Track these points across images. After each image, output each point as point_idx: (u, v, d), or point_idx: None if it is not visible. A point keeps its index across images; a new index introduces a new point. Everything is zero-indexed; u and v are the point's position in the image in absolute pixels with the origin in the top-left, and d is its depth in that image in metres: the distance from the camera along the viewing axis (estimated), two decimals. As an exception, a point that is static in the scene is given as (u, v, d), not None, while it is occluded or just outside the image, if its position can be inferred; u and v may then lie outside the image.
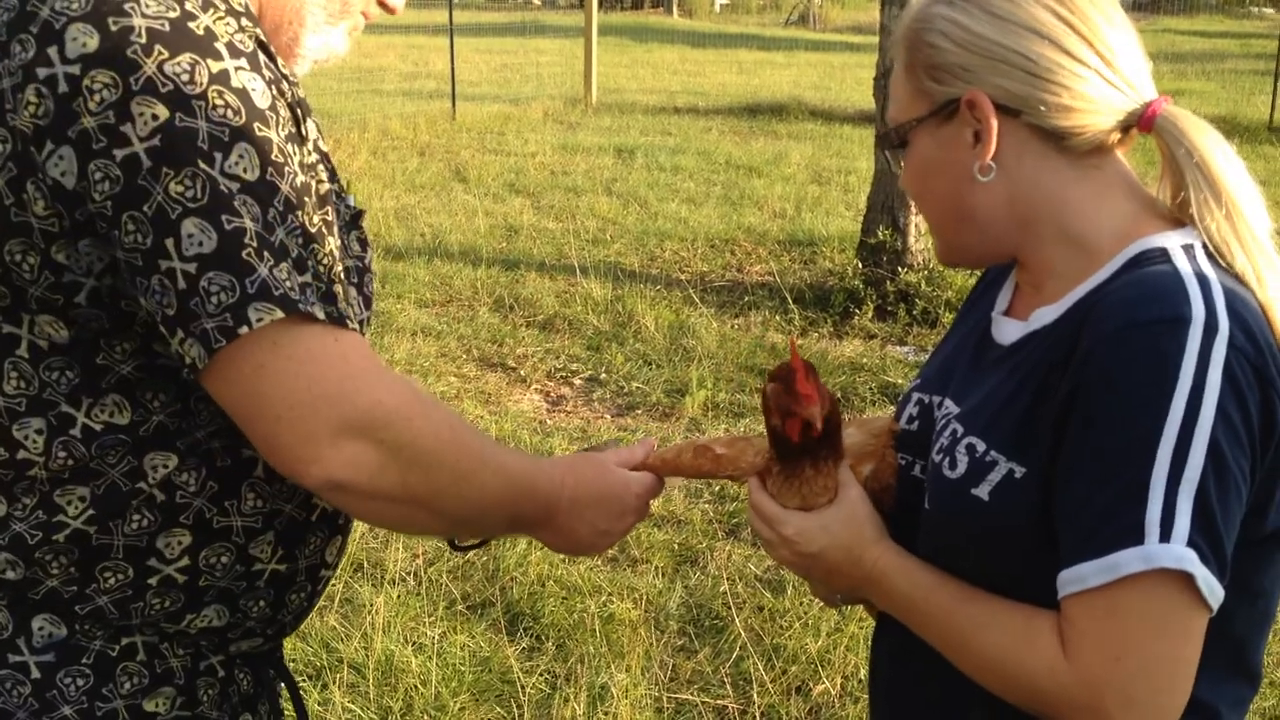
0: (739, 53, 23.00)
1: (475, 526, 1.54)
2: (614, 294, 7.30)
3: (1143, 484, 1.13)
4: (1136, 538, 1.13)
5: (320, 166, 1.38)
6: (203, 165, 1.18)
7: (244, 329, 1.19)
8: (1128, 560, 1.13)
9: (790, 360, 1.35)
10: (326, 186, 1.38)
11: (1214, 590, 1.14)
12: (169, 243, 1.17)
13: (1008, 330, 1.37)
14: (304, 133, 1.34)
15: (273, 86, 1.27)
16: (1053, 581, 1.19)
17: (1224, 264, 1.25)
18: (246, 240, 1.19)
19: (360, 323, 1.49)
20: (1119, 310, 1.19)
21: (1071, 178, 1.30)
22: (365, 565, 4.10)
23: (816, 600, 3.83)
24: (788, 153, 12.39)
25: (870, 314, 6.93)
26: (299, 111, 1.34)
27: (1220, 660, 1.23)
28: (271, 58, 1.33)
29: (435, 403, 1.37)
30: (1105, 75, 1.27)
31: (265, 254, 1.20)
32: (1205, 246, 1.26)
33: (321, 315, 1.24)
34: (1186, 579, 1.13)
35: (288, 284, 1.21)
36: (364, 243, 1.56)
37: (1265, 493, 1.20)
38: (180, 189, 1.17)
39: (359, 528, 3.75)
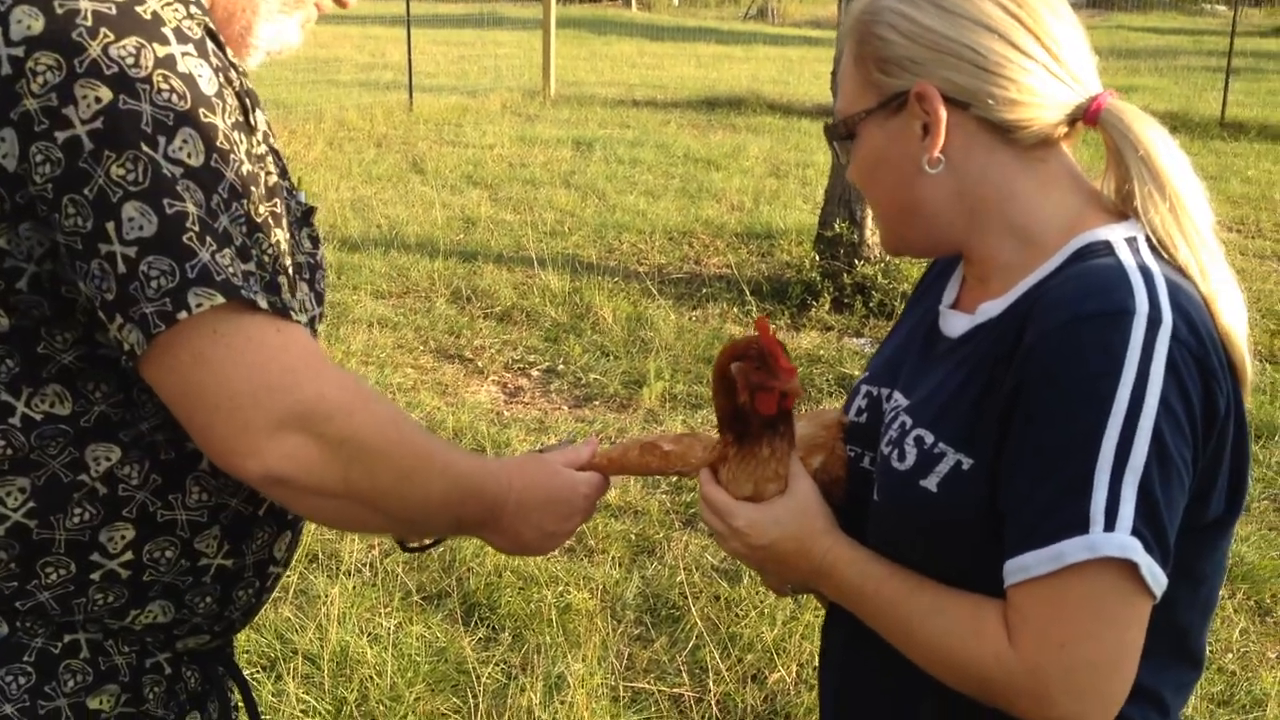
0: (697, 46, 23.01)
1: (420, 526, 1.52)
2: (572, 286, 7.29)
3: (1087, 475, 1.14)
4: (1081, 527, 1.14)
5: (269, 159, 1.37)
6: (145, 148, 1.16)
7: (183, 314, 1.17)
8: (1073, 549, 1.14)
9: (758, 338, 1.36)
10: (275, 179, 1.37)
11: (1157, 578, 1.16)
12: (109, 226, 1.16)
13: (955, 323, 1.38)
14: (253, 123, 1.33)
15: (220, 74, 1.26)
16: (999, 572, 1.21)
17: (1167, 256, 1.27)
18: (189, 224, 1.18)
19: (312, 319, 1.48)
20: (1062, 304, 1.20)
21: (1018, 170, 1.31)
22: (320, 556, 4.08)
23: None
24: (746, 146, 12.42)
25: (827, 306, 6.96)
26: (247, 102, 1.33)
27: (1164, 646, 1.25)
28: (220, 46, 1.32)
29: (381, 398, 1.35)
30: (1052, 69, 1.29)
31: (208, 238, 1.19)
32: (1149, 239, 1.28)
33: (264, 304, 1.22)
34: (1130, 567, 1.14)
35: (230, 270, 1.20)
36: (315, 239, 1.55)
37: (1208, 480, 1.22)
38: (122, 172, 1.16)
39: (314, 518, 3.72)
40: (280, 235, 1.31)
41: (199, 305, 1.17)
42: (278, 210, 1.35)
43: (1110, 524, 1.13)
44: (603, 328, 6.65)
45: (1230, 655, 3.69)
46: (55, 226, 1.18)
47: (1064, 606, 1.16)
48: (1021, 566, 1.17)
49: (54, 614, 1.33)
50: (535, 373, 6.12)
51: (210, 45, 1.28)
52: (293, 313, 1.27)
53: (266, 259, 1.26)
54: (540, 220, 9.06)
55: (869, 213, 7.14)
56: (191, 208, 1.18)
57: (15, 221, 1.20)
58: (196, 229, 1.18)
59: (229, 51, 1.34)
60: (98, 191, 1.16)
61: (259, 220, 1.26)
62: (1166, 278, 1.21)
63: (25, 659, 1.33)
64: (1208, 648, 3.66)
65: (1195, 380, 1.17)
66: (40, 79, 1.15)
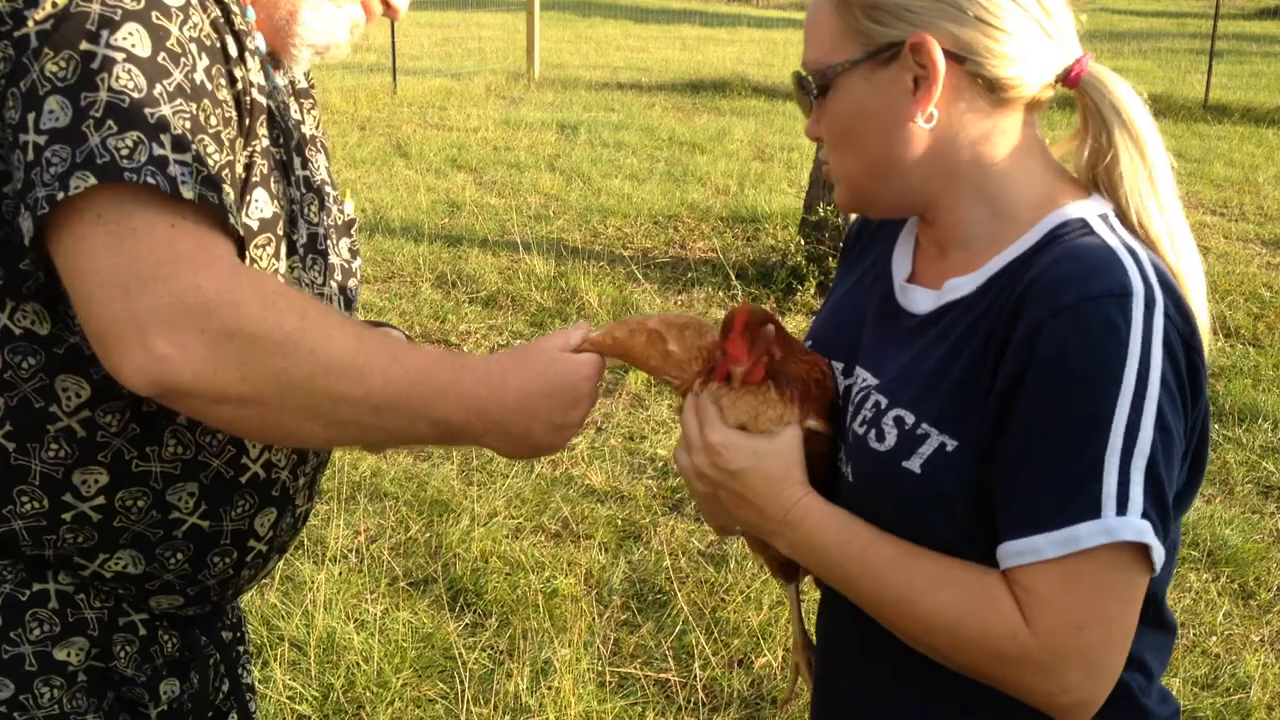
0: (682, 28, 22.96)
1: (378, 434, 1.33)
2: (557, 270, 7.28)
3: (1098, 457, 1.14)
4: (1094, 511, 1.14)
5: (265, 123, 1.37)
6: (83, 45, 1.18)
7: (61, 194, 1.14)
8: (1088, 533, 1.14)
9: (737, 313, 1.32)
10: (266, 143, 1.37)
11: (1162, 557, 1.17)
12: (30, 117, 1.18)
13: (919, 299, 1.35)
14: (232, 54, 1.32)
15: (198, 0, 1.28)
16: (979, 550, 1.21)
17: (1139, 228, 1.26)
18: (91, 112, 1.17)
19: (343, 301, 1.51)
20: (1066, 285, 1.18)
21: (998, 133, 1.29)
22: (306, 542, 4.08)
23: (758, 575, 3.86)
24: (731, 129, 12.40)
25: (813, 290, 6.96)
26: (229, 38, 1.32)
27: (1143, 616, 1.24)
28: None
29: (289, 291, 1.23)
30: (1044, 26, 1.26)
31: (108, 123, 1.16)
32: (1117, 214, 1.27)
33: (189, 195, 1.17)
34: (1142, 549, 1.15)
35: (122, 153, 1.16)
36: (355, 251, 1.57)
37: (1184, 451, 1.23)
38: (55, 69, 1.18)
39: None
40: (262, 196, 1.32)
41: (76, 188, 1.14)
42: (265, 172, 1.35)
43: (1122, 508, 1.14)
44: (588, 312, 6.64)
45: (1214, 638, 3.71)
46: (4, 121, 1.21)
47: (1080, 589, 1.16)
48: (1031, 548, 1.16)
49: (25, 546, 1.35)
50: (521, 357, 6.10)
51: None
52: (230, 215, 1.20)
53: (211, 162, 1.21)
54: (525, 204, 9.04)
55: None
56: (103, 94, 1.17)
57: None
58: (97, 114, 1.16)
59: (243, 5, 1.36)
60: (30, 85, 1.18)
61: (210, 131, 1.23)
62: (1148, 256, 1.22)
63: None
64: (1192, 631, 3.68)
65: (1184, 357, 1.18)
66: None
